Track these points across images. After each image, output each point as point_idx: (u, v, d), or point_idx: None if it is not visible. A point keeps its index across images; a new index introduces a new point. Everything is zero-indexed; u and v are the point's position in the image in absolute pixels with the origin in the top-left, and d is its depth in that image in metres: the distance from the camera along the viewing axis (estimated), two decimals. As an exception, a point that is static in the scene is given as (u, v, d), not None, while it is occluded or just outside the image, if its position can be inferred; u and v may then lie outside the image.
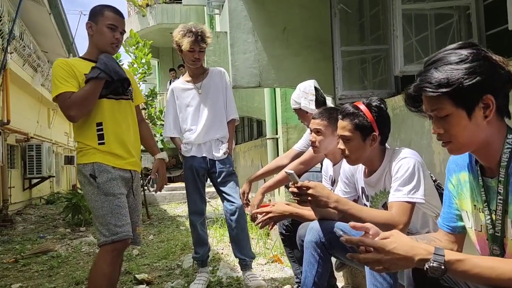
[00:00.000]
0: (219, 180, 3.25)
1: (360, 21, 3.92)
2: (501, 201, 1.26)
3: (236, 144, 10.19)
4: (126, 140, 2.44)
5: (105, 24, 2.37)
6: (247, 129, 9.46)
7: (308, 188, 1.86)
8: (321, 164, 2.83)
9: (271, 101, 5.23)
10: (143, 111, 8.01)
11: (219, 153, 3.26)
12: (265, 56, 4.09)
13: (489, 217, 1.31)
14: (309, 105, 2.90)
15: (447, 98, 1.24)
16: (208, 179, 3.40)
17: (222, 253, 4.57)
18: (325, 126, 2.44)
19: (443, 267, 1.13)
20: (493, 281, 1.12)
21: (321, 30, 4.10)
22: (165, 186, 2.84)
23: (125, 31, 2.50)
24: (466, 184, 1.42)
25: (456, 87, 1.21)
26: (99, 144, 2.35)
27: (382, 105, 1.95)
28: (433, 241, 1.50)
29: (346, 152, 2.01)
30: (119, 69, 2.39)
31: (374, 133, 1.93)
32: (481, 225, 1.36)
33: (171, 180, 12.33)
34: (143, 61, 7.14)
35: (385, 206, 2.00)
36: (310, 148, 2.85)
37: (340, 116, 2.02)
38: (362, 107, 1.95)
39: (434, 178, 2.06)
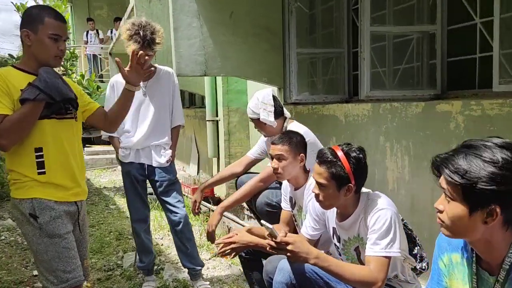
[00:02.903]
0: (160, 189, 3.07)
1: (311, 16, 3.75)
2: None
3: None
4: (72, 166, 2.13)
5: (47, 34, 1.98)
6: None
7: (288, 243, 1.79)
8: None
9: (211, 82, 4.99)
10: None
11: (162, 159, 3.05)
12: (211, 42, 3.80)
13: None
14: (268, 117, 2.77)
15: (459, 187, 1.21)
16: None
17: (165, 248, 4.43)
18: (287, 152, 2.36)
19: None
20: None
21: (269, 18, 3.90)
22: (84, 149, 2.56)
23: (68, 38, 2.13)
24: (458, 266, 1.43)
25: (469, 183, 1.19)
26: (39, 173, 2.03)
27: (361, 155, 1.89)
28: None
29: (320, 197, 1.95)
30: (62, 87, 2.02)
31: (350, 184, 1.88)
32: None
33: (91, 141, 11.57)
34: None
35: (357, 250, 2.01)
36: (269, 165, 2.76)
37: (317, 160, 1.94)
38: (340, 154, 1.88)
39: (403, 220, 2.09)
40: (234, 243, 2.36)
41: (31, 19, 2.00)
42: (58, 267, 2.01)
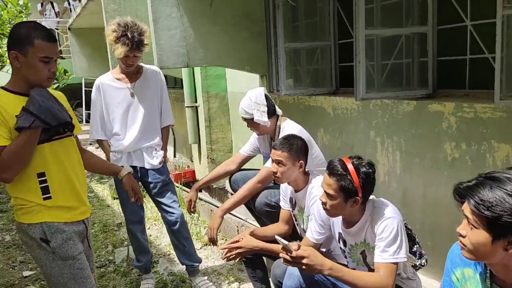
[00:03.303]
0: (155, 191, 3.08)
1: (294, 6, 3.70)
2: None
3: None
4: (75, 186, 2.10)
5: (38, 57, 1.88)
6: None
7: (303, 257, 1.86)
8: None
9: (189, 68, 4.89)
10: None
11: (155, 161, 3.04)
12: (192, 33, 3.72)
13: None
14: (262, 117, 2.79)
15: (484, 218, 1.30)
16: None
17: (154, 239, 4.44)
18: (286, 158, 2.40)
19: None
20: None
21: (249, 6, 3.84)
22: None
23: (59, 56, 2.04)
24: (470, 279, 1.55)
25: (494, 216, 1.27)
26: (45, 199, 1.99)
27: (371, 170, 1.96)
28: None
29: (327, 206, 2.02)
30: (57, 111, 1.96)
31: (357, 197, 1.95)
32: None
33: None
34: (21, 2, 6.00)
35: (363, 253, 2.11)
36: (266, 166, 2.80)
37: (327, 171, 2.00)
38: (351, 168, 1.94)
39: (404, 222, 2.20)
40: (240, 247, 2.43)
41: (19, 40, 1.88)
42: None
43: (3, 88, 1.98)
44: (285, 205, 2.68)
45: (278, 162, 2.43)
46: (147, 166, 3.03)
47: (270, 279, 2.46)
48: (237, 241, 2.46)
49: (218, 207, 4.41)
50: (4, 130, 1.87)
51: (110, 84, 2.97)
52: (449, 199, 2.43)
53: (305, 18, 3.62)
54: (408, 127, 2.65)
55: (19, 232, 2.06)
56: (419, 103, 2.55)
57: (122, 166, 2.59)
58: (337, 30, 3.38)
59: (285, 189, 2.66)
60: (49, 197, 2.00)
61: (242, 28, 3.88)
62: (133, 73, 2.98)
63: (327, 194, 2.00)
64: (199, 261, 3.23)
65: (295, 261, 1.89)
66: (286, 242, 1.91)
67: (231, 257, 2.44)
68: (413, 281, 2.16)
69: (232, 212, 4.10)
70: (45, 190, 2.00)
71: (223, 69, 4.87)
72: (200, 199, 4.68)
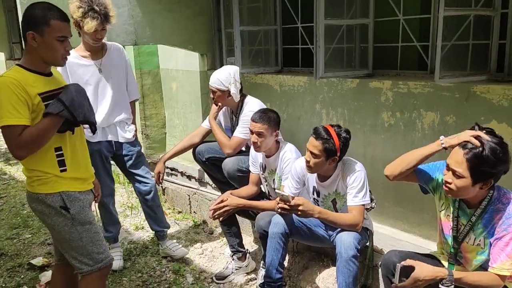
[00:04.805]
0: (130, 162, 3.25)
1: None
2: (471, 223, 2.01)
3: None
4: (85, 159, 2.29)
5: (54, 37, 2.00)
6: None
7: (299, 205, 2.33)
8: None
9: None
10: None
11: (128, 135, 3.21)
12: (139, 11, 3.85)
13: (455, 225, 2.06)
14: (237, 93, 3.14)
15: (469, 167, 1.85)
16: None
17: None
18: (266, 129, 2.81)
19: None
20: None
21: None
22: None
23: (72, 35, 2.16)
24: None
25: (479, 169, 1.84)
26: (61, 171, 2.15)
27: (348, 136, 2.48)
28: None
29: (310, 163, 2.50)
30: (86, 109, 2.11)
31: (336, 156, 2.47)
32: (446, 217, 2.11)
33: None
34: None
35: (333, 201, 2.64)
36: (237, 136, 3.17)
37: (313, 135, 2.45)
38: (333, 133, 2.43)
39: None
40: (226, 206, 2.81)
41: (35, 21, 1.99)
42: (92, 250, 2.21)
43: (22, 66, 2.05)
44: (254, 170, 3.10)
45: (258, 134, 2.83)
46: (121, 140, 3.18)
47: (255, 229, 2.87)
48: (222, 201, 2.84)
49: (174, 182, 4.62)
50: (25, 111, 1.98)
51: (76, 62, 3.02)
52: (384, 156, 3.09)
53: (247, 2, 3.98)
54: (351, 100, 3.23)
55: (33, 202, 2.17)
56: (361, 81, 3.14)
57: None
58: (282, 14, 3.82)
59: (255, 156, 3.07)
60: (65, 170, 2.16)
61: (185, 6, 4.09)
62: (98, 49, 3.07)
63: (312, 154, 2.47)
64: (168, 226, 3.50)
65: (293, 209, 2.36)
66: (286, 194, 2.35)
67: (219, 215, 2.82)
68: (366, 219, 2.77)
69: (182, 183, 4.38)
70: (62, 163, 2.15)
71: (155, 46, 4.99)
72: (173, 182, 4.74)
